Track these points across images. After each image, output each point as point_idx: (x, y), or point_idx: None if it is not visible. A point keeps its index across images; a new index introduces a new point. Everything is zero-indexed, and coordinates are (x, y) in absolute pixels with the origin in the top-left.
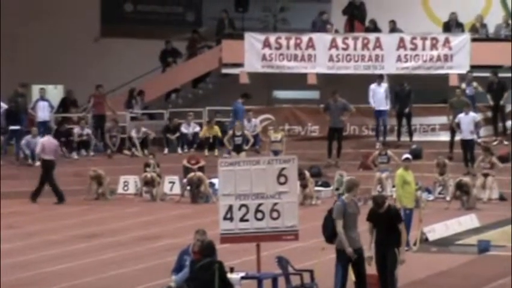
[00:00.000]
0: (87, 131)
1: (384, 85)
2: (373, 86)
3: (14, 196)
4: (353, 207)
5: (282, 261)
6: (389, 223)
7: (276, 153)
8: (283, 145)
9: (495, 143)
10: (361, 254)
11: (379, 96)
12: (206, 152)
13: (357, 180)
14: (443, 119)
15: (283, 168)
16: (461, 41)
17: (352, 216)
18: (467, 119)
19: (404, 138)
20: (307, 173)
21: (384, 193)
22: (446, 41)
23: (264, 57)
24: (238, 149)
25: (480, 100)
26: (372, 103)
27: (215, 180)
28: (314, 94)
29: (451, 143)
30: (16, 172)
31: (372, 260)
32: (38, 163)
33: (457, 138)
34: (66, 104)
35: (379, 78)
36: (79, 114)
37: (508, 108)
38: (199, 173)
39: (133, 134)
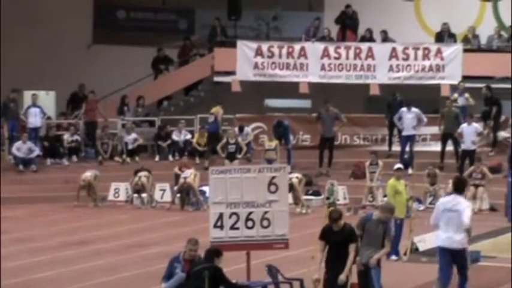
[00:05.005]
0: (77, 137)
1: (414, 110)
2: (403, 111)
3: (4, 202)
4: (376, 225)
5: (272, 270)
6: (343, 242)
7: (270, 161)
8: (278, 153)
9: (491, 153)
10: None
11: (407, 121)
12: (197, 160)
13: (391, 206)
14: (434, 129)
15: (273, 177)
16: (453, 51)
17: (371, 233)
18: (470, 130)
19: (396, 147)
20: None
21: (375, 203)
22: (438, 51)
23: (256, 66)
24: (231, 157)
25: (472, 111)
26: (399, 126)
27: (206, 188)
28: (306, 103)
29: (442, 153)
30: (6, 178)
31: (319, 283)
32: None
33: (450, 148)
34: (77, 99)
35: (409, 105)
36: (70, 120)
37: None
38: (189, 180)
39: (126, 140)
